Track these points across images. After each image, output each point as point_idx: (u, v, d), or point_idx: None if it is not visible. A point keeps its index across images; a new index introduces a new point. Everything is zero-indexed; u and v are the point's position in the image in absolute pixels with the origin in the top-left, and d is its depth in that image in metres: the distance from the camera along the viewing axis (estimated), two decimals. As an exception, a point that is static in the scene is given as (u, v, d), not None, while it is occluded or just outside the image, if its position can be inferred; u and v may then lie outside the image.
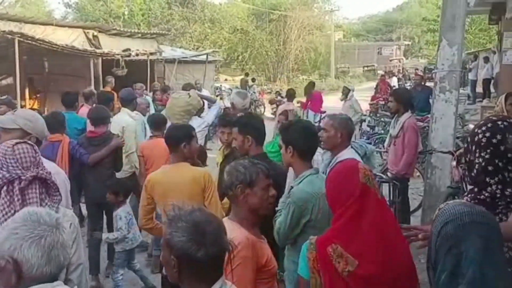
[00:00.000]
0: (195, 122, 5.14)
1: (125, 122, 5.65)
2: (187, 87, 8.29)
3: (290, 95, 10.49)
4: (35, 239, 1.56)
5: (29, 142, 2.46)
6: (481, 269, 1.63)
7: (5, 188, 2.28)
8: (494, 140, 2.10)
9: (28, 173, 2.33)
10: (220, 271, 1.73)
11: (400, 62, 36.44)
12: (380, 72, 29.45)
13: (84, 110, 7.45)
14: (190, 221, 1.66)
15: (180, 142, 3.41)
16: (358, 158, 3.14)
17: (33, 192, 2.34)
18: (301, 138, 2.95)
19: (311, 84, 12.97)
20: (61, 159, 4.68)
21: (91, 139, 4.99)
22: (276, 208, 2.98)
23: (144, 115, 6.65)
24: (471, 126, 9.09)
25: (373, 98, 16.27)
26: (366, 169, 2.21)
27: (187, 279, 1.69)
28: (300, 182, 2.87)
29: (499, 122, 2.13)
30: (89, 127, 5.40)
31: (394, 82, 22.18)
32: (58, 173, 2.88)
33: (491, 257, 1.64)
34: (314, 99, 11.81)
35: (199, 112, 5.64)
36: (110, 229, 4.91)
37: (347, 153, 3.51)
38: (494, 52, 15.90)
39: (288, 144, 2.94)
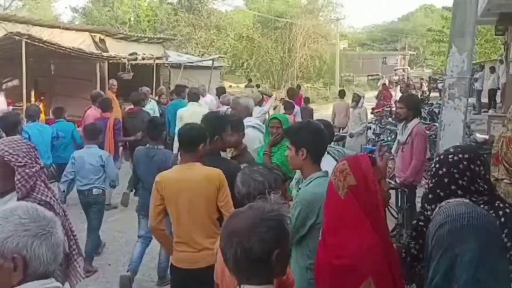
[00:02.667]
0: (255, 110, 7.00)
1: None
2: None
3: (343, 94, 12.23)
4: (46, 236, 1.50)
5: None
6: (476, 274, 1.58)
7: (38, 180, 2.32)
8: (440, 172, 2.17)
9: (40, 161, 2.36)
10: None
11: (404, 71, 36.39)
12: (382, 81, 29.40)
13: (92, 111, 7.54)
14: None
15: (200, 141, 3.40)
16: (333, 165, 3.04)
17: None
18: (315, 140, 2.88)
19: (297, 88, 15.55)
20: (108, 129, 7.12)
21: (130, 114, 7.77)
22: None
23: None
24: (478, 135, 9.06)
25: (377, 106, 16.23)
26: (340, 169, 2.25)
27: None
28: (308, 184, 2.83)
29: (450, 156, 2.22)
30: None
31: (397, 92, 22.14)
32: None
33: (488, 263, 1.59)
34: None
35: (259, 103, 8.44)
36: None
37: (324, 161, 3.27)
38: (502, 62, 15.84)
39: (300, 146, 2.86)
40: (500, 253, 1.65)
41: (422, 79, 29.47)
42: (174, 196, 3.29)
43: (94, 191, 5.33)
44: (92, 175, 5.33)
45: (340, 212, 2.24)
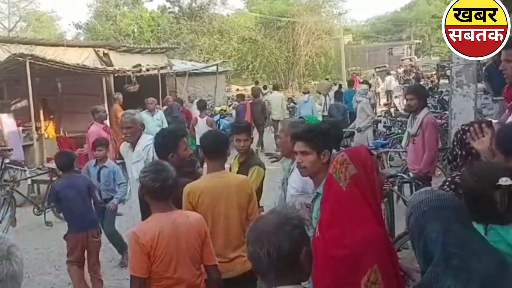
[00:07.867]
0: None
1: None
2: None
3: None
4: None
5: None
6: (445, 248, 1.65)
7: None
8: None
9: None
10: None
11: (412, 61, 36.05)
12: (393, 72, 29.20)
13: (94, 127, 7.57)
14: None
15: (226, 147, 3.30)
16: None
17: None
18: (332, 140, 2.85)
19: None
20: (249, 111, 12.09)
21: (253, 104, 12.47)
22: None
23: None
24: (490, 120, 8.90)
25: None
26: (339, 160, 2.24)
27: None
28: None
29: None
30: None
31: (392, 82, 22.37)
32: None
33: (453, 235, 1.67)
34: None
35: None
36: None
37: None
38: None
39: (324, 149, 2.74)
40: (467, 225, 1.75)
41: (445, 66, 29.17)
42: (209, 207, 3.11)
43: None
44: None
45: (342, 204, 2.23)
